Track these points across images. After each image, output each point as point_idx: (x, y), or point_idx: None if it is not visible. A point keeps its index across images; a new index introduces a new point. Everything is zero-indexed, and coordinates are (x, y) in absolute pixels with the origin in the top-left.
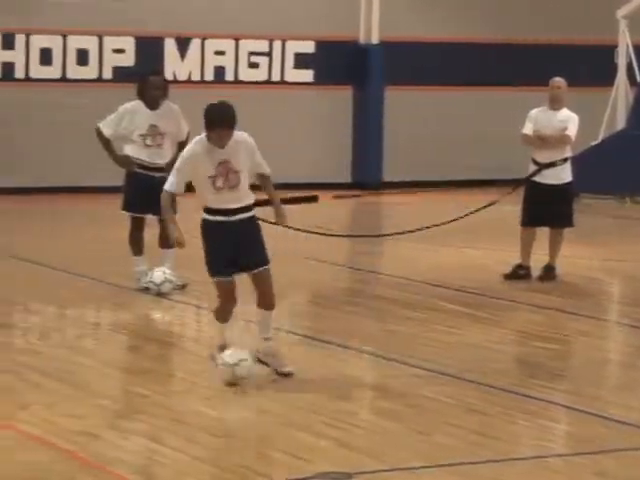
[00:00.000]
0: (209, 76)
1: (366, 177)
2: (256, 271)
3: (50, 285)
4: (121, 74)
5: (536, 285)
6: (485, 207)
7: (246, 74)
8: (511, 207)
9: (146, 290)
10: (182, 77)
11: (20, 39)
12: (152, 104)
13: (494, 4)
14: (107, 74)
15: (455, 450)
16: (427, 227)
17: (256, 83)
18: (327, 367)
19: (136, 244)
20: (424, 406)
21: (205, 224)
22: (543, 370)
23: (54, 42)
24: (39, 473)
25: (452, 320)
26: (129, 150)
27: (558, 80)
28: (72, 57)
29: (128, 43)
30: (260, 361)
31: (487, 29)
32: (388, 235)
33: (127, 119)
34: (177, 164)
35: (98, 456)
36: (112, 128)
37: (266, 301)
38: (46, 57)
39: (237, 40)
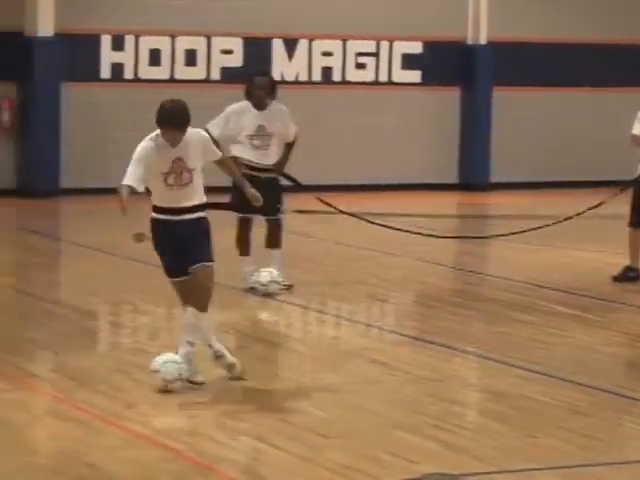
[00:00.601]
0: (316, 77)
1: (473, 178)
2: (195, 267)
3: (158, 285)
4: (229, 75)
5: None
6: (593, 208)
7: (353, 75)
8: (619, 208)
9: (253, 290)
10: (290, 78)
11: (129, 40)
12: (259, 105)
13: (604, 4)
14: (215, 75)
15: (562, 452)
16: (534, 228)
17: (363, 84)
18: (432, 368)
19: (243, 244)
20: (530, 408)
21: (153, 223)
22: None
23: (163, 43)
24: (147, 472)
25: (559, 322)
26: (236, 151)
27: None
28: (180, 58)
29: (236, 44)
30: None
31: (596, 29)
32: (496, 236)
33: (234, 120)
34: (133, 157)
35: (205, 455)
36: (219, 129)
37: (197, 299)
38: (155, 58)
39: (345, 41)
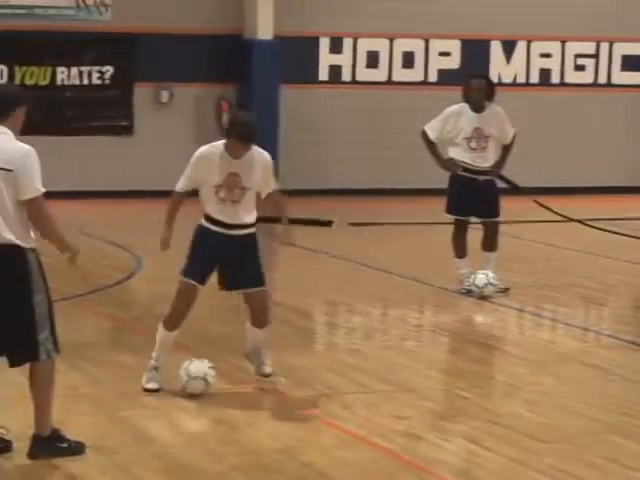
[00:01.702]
0: (534, 79)
1: None
2: (250, 291)
3: (373, 286)
4: (446, 77)
5: None
6: None
7: (572, 77)
8: None
9: (469, 293)
10: (507, 80)
11: (348, 42)
12: (476, 107)
13: None
14: (432, 77)
15: None
16: None
17: (582, 86)
18: None
19: (459, 246)
20: None
21: (200, 229)
22: None
23: (381, 45)
24: (362, 472)
25: None
26: (453, 153)
27: None
28: (398, 60)
29: (454, 46)
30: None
31: None
32: None
33: (452, 122)
34: (190, 162)
35: (419, 457)
36: (437, 131)
37: (258, 321)
38: (372, 60)
39: (564, 42)
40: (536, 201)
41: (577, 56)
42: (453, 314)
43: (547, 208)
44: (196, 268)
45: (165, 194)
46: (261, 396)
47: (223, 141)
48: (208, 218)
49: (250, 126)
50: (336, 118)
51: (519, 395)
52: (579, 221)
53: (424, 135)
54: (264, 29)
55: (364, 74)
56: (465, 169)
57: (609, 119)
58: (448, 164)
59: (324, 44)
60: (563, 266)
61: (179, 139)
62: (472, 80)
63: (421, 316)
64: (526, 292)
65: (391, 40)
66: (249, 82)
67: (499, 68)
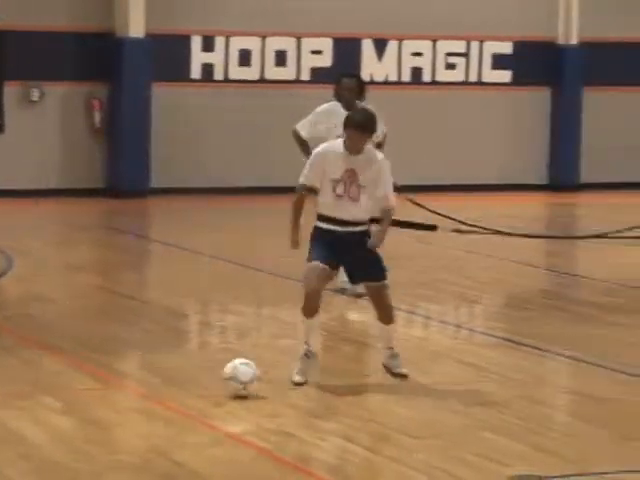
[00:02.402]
0: (406, 77)
1: (563, 178)
2: (373, 285)
3: (247, 284)
4: (319, 75)
5: None
6: None
7: (443, 75)
8: None
9: (342, 291)
10: (379, 78)
11: (220, 41)
12: (347, 105)
13: None
14: (305, 75)
15: None
16: (629, 229)
17: (453, 84)
18: (524, 370)
19: None
20: (624, 410)
21: (316, 231)
22: None
23: (253, 44)
24: (236, 470)
25: None
26: None
27: None
28: (270, 58)
29: (326, 44)
30: (386, 368)
31: None
32: (587, 237)
33: (323, 120)
34: (310, 159)
35: (293, 455)
36: (308, 129)
37: (384, 316)
38: (245, 58)
39: (434, 41)
40: (410, 199)
41: (448, 55)
42: (327, 312)
43: (421, 206)
44: (321, 253)
45: (35, 193)
46: (132, 396)
47: (342, 139)
48: (322, 217)
49: (367, 116)
50: (208, 117)
51: (393, 392)
52: (446, 216)
53: (295, 134)
54: (135, 27)
55: (236, 72)
56: None
57: (480, 117)
58: None
59: (196, 42)
60: (439, 264)
61: (49, 137)
62: (343, 79)
63: (295, 314)
64: (400, 290)
65: (263, 38)
66: (120, 80)
67: (371, 66)
